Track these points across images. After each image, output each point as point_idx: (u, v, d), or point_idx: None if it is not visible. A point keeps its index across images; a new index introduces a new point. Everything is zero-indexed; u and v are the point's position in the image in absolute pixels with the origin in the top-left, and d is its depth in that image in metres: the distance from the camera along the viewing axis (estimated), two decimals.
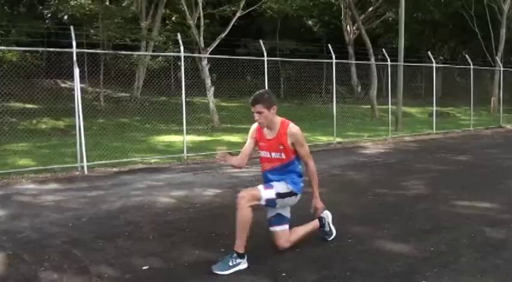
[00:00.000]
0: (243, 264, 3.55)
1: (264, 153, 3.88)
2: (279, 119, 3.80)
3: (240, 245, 3.57)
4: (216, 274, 3.44)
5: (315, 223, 4.12)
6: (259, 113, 3.70)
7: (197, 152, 10.08)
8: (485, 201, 5.60)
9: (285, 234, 3.87)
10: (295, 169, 3.85)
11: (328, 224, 4.18)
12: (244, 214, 3.55)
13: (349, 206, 5.50)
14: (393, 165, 8.80)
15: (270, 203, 3.73)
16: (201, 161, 9.40)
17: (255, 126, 3.93)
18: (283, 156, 3.78)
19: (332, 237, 4.17)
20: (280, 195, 3.74)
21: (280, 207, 3.83)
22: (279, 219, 3.87)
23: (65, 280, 3.43)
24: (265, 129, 3.83)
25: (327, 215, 4.21)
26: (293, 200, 3.87)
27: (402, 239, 4.21)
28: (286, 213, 3.92)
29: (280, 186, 3.77)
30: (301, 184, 3.90)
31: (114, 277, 3.48)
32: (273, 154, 3.81)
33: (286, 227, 3.90)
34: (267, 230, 3.96)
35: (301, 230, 4.01)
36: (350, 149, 11.38)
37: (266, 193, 3.68)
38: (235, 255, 3.53)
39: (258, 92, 3.80)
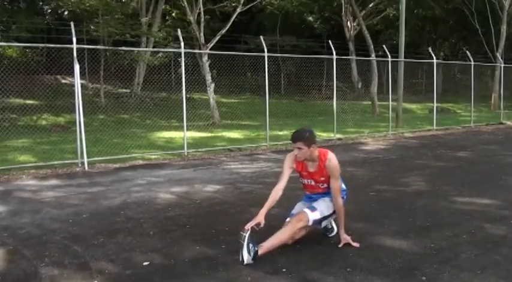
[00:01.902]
0: (248, 258, 3.52)
1: (307, 181, 4.08)
2: (317, 152, 3.92)
3: (263, 247, 3.63)
4: (216, 270, 3.44)
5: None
6: (299, 148, 3.86)
7: (197, 148, 10.08)
8: (486, 197, 5.60)
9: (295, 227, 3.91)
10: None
11: (330, 220, 4.18)
12: (290, 228, 3.79)
13: (349, 202, 5.46)
14: (393, 161, 8.79)
15: (316, 223, 3.93)
16: (202, 157, 9.40)
17: (292, 156, 4.00)
18: (326, 185, 4.00)
19: (333, 233, 4.19)
20: (324, 218, 3.97)
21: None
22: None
23: (65, 276, 3.44)
24: (307, 162, 3.98)
25: None
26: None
27: (402, 235, 4.21)
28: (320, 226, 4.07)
29: (325, 208, 3.97)
30: (345, 196, 4.16)
31: (115, 273, 3.49)
32: (317, 184, 4.03)
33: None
34: (268, 227, 3.94)
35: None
36: (350, 145, 11.37)
37: (313, 215, 3.88)
38: (256, 250, 3.56)
39: (300, 129, 3.96)
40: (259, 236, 3.70)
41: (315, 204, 3.96)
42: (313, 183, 4.04)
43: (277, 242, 3.71)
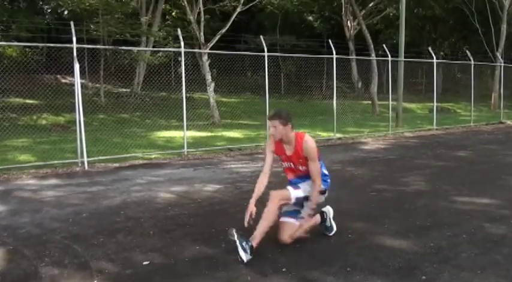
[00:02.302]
0: (246, 256, 3.54)
1: (287, 164, 4.10)
2: (293, 134, 3.97)
3: (257, 237, 3.67)
4: (216, 269, 3.44)
5: (316, 218, 4.15)
6: (274, 127, 3.92)
7: (197, 148, 10.08)
8: (486, 197, 5.60)
9: (291, 229, 3.94)
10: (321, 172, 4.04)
11: (329, 219, 4.21)
12: (272, 210, 3.77)
13: (349, 202, 5.50)
14: (393, 161, 8.79)
15: (299, 201, 3.95)
16: (202, 157, 9.40)
17: (270, 139, 4.09)
18: (306, 168, 3.99)
19: (332, 232, 4.20)
20: (307, 198, 3.97)
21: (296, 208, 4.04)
22: (294, 213, 4.02)
23: (65, 275, 3.44)
24: (284, 144, 4.01)
25: (329, 210, 4.26)
26: (321, 198, 4.11)
27: (402, 235, 4.21)
28: (303, 212, 4.03)
29: (309, 187, 3.98)
30: (329, 180, 4.14)
31: (115, 272, 3.49)
32: (296, 166, 4.04)
33: (296, 223, 3.98)
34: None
35: (304, 225, 4.04)
36: (350, 144, 11.37)
37: (295, 192, 3.93)
38: (250, 244, 3.56)
39: (277, 109, 4.11)
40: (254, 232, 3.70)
41: (299, 184, 4.02)
42: (292, 166, 4.06)
43: (265, 227, 3.74)
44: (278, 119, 3.91)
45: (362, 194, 5.91)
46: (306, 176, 4.03)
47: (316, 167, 3.96)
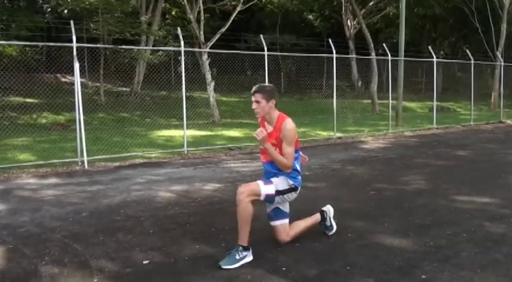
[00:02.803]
0: (249, 257, 3.58)
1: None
2: (277, 113, 3.80)
3: (243, 239, 3.59)
4: (217, 268, 3.45)
5: (316, 217, 4.14)
6: (257, 102, 3.73)
7: (197, 147, 10.08)
8: (486, 196, 5.60)
9: (285, 229, 3.90)
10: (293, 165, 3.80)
11: (330, 218, 4.19)
12: (244, 208, 3.57)
13: (349, 201, 5.51)
14: (393, 160, 8.79)
15: (269, 199, 3.74)
16: (202, 156, 9.40)
17: (259, 118, 3.94)
18: (278, 151, 3.74)
19: (332, 232, 4.18)
20: (279, 192, 3.76)
21: (278, 203, 3.84)
22: (279, 214, 3.89)
23: (65, 274, 3.44)
24: (266, 123, 3.86)
25: (329, 209, 4.22)
26: (293, 195, 3.89)
27: (402, 233, 4.21)
28: (285, 208, 3.93)
29: (281, 183, 3.78)
30: (299, 177, 3.90)
31: (115, 271, 3.49)
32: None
33: (286, 221, 3.92)
34: (267, 224, 3.97)
35: (302, 224, 4.03)
36: (350, 143, 11.37)
37: (265, 188, 3.69)
38: (240, 248, 3.56)
39: (262, 83, 3.87)
40: (255, 235, 3.70)
41: (272, 178, 3.79)
42: None
43: (245, 228, 3.58)
44: (261, 93, 3.72)
45: (362, 193, 5.91)
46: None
47: (290, 152, 3.68)
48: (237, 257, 3.52)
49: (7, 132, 10.89)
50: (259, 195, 3.66)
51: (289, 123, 3.71)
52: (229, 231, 4.26)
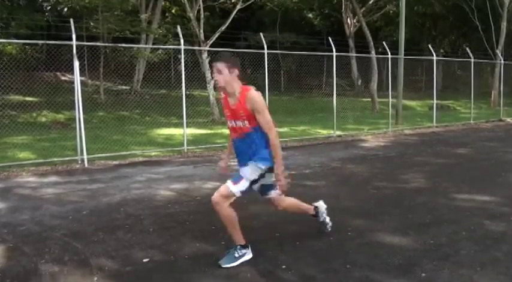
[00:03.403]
0: (248, 255, 3.58)
1: (230, 123, 3.65)
2: (239, 85, 3.59)
3: (239, 239, 3.59)
4: (217, 266, 3.45)
5: (310, 207, 4.08)
6: (218, 71, 3.51)
7: (197, 145, 10.08)
8: (485, 194, 5.60)
9: (280, 195, 3.76)
10: (260, 139, 3.56)
11: (322, 214, 4.11)
12: (225, 215, 3.52)
13: (349, 199, 5.51)
14: (393, 158, 8.79)
15: (246, 191, 3.58)
16: (201, 154, 9.40)
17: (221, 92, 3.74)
18: (247, 125, 3.53)
19: (329, 226, 4.12)
20: (254, 182, 3.58)
21: (259, 183, 3.64)
22: (267, 188, 3.70)
23: (65, 272, 3.44)
24: (229, 97, 3.62)
25: (320, 205, 4.14)
26: (271, 175, 3.61)
27: (402, 232, 4.21)
28: (270, 180, 3.65)
29: (252, 172, 3.55)
30: (268, 155, 3.57)
31: (115, 269, 3.49)
32: (237, 122, 3.57)
33: (277, 191, 3.70)
34: (266, 223, 3.97)
35: (296, 203, 3.97)
36: (350, 142, 11.37)
37: (237, 187, 3.52)
38: (239, 247, 3.56)
39: (224, 53, 3.69)
40: (255, 234, 3.70)
41: (240, 172, 3.61)
42: (234, 124, 3.59)
43: (234, 231, 3.58)
44: (224, 62, 3.50)
45: (362, 191, 5.91)
46: (248, 143, 3.56)
47: (266, 119, 3.46)
48: (236, 255, 3.53)
49: (7, 131, 10.89)
50: (233, 195, 3.53)
51: (254, 94, 3.50)
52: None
